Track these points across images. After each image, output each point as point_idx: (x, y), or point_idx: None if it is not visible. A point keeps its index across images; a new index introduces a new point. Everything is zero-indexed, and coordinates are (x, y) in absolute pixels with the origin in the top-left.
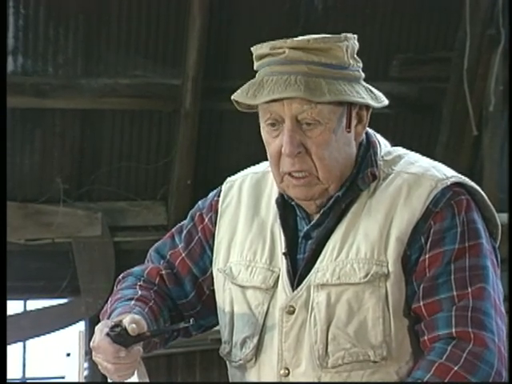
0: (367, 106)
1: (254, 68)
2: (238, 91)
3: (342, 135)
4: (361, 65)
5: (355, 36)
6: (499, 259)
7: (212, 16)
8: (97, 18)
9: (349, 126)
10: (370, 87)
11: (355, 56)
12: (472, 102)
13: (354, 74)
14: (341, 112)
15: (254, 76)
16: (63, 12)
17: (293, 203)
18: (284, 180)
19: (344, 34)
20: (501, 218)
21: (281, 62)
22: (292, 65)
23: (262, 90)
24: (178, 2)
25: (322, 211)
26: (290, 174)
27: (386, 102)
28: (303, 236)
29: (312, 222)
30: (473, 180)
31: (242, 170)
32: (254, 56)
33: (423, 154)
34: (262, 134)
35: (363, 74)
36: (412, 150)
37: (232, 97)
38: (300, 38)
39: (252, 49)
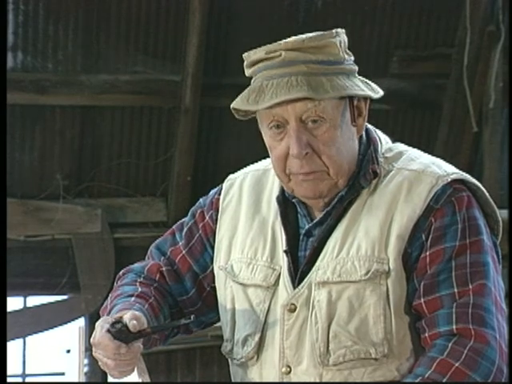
0: (365, 98)
1: (247, 74)
2: (238, 99)
3: (346, 130)
4: (353, 58)
5: (344, 30)
6: (500, 255)
7: (212, 12)
8: (96, 14)
9: (354, 119)
10: (365, 79)
11: (347, 50)
12: (472, 98)
13: (349, 67)
14: (343, 107)
15: None
16: (63, 8)
17: (293, 200)
18: (292, 178)
19: (335, 30)
20: (501, 214)
21: (278, 65)
22: (290, 66)
23: (263, 95)
24: None
25: (325, 211)
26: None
27: (381, 92)
28: (304, 233)
29: (314, 221)
30: (473, 177)
31: (242, 166)
32: (246, 63)
33: (423, 150)
34: (265, 138)
35: (357, 67)
36: (412, 147)
37: (232, 105)
38: (293, 38)
39: (244, 55)
